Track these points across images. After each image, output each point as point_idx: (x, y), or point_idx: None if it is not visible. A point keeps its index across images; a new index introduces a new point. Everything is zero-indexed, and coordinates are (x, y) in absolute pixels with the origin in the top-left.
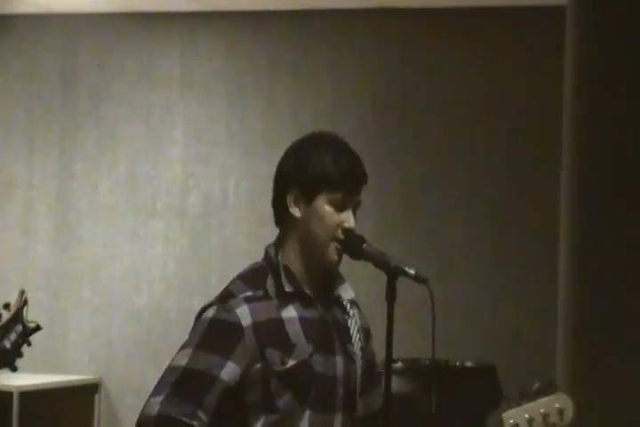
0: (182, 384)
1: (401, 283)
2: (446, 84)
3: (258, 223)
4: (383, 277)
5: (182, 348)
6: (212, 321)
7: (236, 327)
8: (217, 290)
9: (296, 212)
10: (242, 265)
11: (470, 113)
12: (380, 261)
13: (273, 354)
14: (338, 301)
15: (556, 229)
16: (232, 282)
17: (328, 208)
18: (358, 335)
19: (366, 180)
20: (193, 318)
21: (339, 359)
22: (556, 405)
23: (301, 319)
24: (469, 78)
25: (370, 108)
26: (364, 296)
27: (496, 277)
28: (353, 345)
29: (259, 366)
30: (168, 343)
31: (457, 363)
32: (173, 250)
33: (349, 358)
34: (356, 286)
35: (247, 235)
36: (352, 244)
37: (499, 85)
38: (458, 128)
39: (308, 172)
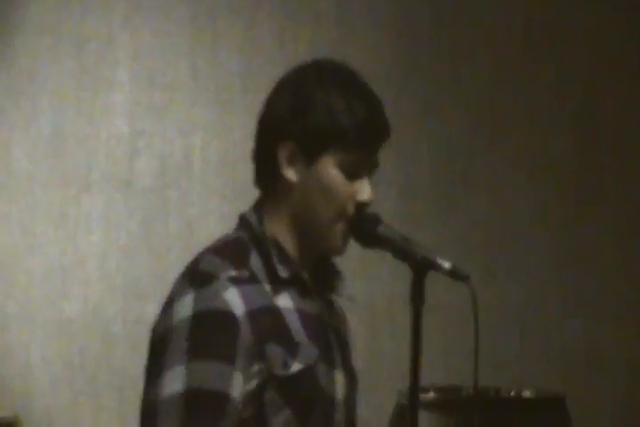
0: (192, 418)
1: (432, 281)
2: (501, 3)
3: (234, 199)
4: (407, 272)
5: (162, 369)
6: (197, 316)
7: (230, 319)
8: None
9: (291, 174)
10: None
11: (535, 46)
12: (402, 251)
13: (275, 352)
14: (330, 301)
15: None
16: (201, 259)
17: (337, 174)
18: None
19: (389, 133)
20: (143, 332)
21: (338, 375)
22: None
23: (300, 312)
24: None
25: (389, 39)
26: (380, 299)
27: (567, 275)
28: (351, 360)
29: (256, 368)
30: (110, 368)
31: (511, 393)
32: (117, 237)
33: (351, 376)
34: (369, 286)
35: (219, 215)
36: (362, 225)
37: (574, 7)
38: (517, 67)
39: (310, 120)
